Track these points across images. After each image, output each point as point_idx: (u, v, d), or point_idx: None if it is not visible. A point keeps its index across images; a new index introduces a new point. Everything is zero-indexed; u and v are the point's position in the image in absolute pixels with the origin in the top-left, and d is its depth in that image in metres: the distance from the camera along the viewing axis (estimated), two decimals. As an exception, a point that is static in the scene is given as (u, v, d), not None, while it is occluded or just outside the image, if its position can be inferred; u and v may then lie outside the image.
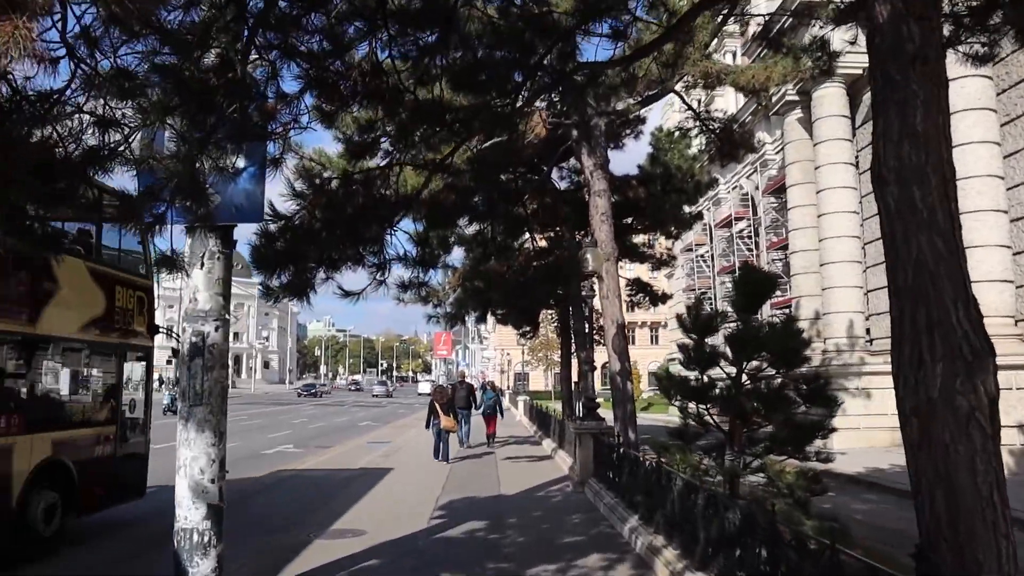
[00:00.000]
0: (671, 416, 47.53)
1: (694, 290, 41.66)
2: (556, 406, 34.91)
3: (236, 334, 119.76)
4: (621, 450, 10.64)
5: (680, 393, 9.69)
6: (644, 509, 8.77)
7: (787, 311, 32.18)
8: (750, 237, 36.49)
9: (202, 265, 6.43)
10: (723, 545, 6.05)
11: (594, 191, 15.76)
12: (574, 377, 25.04)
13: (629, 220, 22.44)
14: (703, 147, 20.61)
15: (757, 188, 34.86)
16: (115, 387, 10.75)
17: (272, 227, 6.43)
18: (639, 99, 16.03)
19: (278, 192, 6.48)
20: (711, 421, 9.82)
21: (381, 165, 7.31)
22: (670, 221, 21.16)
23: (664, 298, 29.04)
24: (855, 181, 24.47)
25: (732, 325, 10.54)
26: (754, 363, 9.60)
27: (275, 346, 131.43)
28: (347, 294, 7.52)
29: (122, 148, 4.60)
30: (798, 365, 9.63)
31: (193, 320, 6.47)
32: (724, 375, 9.55)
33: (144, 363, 11.60)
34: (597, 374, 23.53)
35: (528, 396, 45.77)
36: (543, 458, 19.14)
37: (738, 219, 36.59)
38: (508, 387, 74.38)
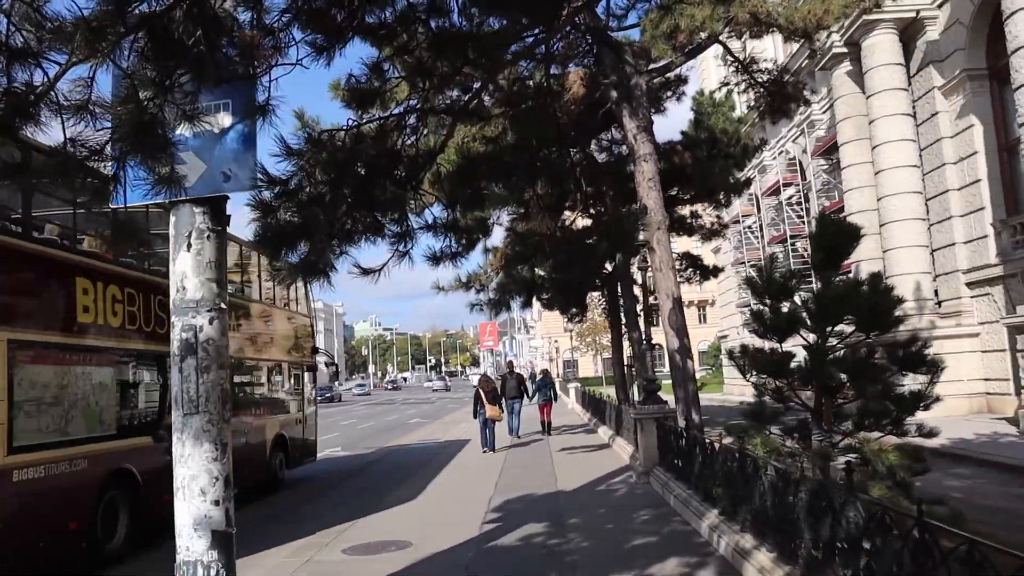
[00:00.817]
0: (726, 395, 46.10)
1: (744, 263, 40.07)
2: (609, 391, 33.75)
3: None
4: (689, 435, 9.48)
5: (756, 367, 8.51)
6: (726, 503, 7.62)
7: (844, 278, 30.60)
8: (799, 204, 34.85)
9: (189, 246, 5.40)
10: (840, 548, 4.89)
11: (639, 156, 14.55)
12: (626, 360, 23.89)
13: (674, 191, 21.15)
14: (750, 105, 19.28)
15: (805, 151, 33.19)
16: (301, 389, 17.09)
17: (267, 194, 5.36)
18: (681, 53, 14.74)
19: (268, 153, 5.41)
20: (792, 397, 8.65)
21: (395, 113, 6.24)
22: (720, 188, 19.86)
23: (715, 271, 27.69)
24: (913, 133, 22.89)
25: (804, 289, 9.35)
26: (837, 328, 8.42)
27: (322, 347, 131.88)
28: (365, 272, 6.48)
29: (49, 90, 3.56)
30: (890, 328, 8.40)
31: (182, 312, 5.41)
32: (803, 344, 8.37)
33: (311, 373, 17.76)
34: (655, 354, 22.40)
35: (579, 383, 44.61)
36: (600, 447, 18.01)
37: (786, 185, 34.93)
38: (558, 375, 73.25)
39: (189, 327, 5.37)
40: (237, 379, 12.91)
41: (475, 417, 19.68)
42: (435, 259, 8.13)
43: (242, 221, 6.80)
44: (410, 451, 21.69)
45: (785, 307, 8.51)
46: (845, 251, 8.45)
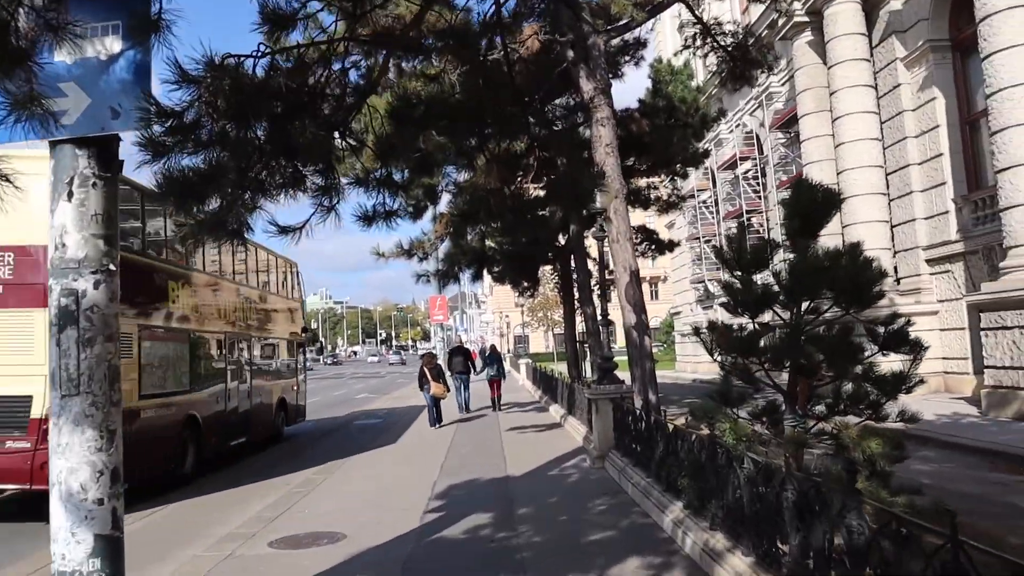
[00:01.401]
0: (679, 372, 45.84)
1: (698, 238, 39.69)
2: (560, 368, 33.13)
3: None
4: (649, 418, 8.73)
5: (725, 345, 7.77)
6: (692, 496, 6.88)
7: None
8: (756, 178, 34.45)
9: (70, 195, 4.39)
10: (836, 559, 4.16)
11: (596, 119, 13.73)
12: (579, 336, 23.23)
13: (631, 161, 20.41)
14: (711, 71, 18.54)
15: (763, 125, 32.72)
16: (296, 362, 20.35)
17: (157, 129, 4.35)
18: (643, 11, 13.89)
19: (162, 80, 4.41)
20: (762, 378, 7.95)
21: (318, 40, 5.27)
22: (678, 157, 19.11)
23: (672, 246, 27.19)
24: (875, 105, 22.41)
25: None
26: (813, 304, 7.72)
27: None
28: (283, 230, 5.53)
29: None
30: (871, 303, 7.70)
31: (60, 274, 4.40)
32: (771, 321, 7.65)
33: (302, 348, 21.25)
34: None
35: (530, 359, 43.94)
36: (551, 427, 17.30)
37: (743, 159, 34.45)
38: (508, 351, 72.65)
39: (68, 291, 4.37)
40: (254, 353, 17.00)
41: (421, 390, 19.85)
42: (367, 219, 7.22)
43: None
44: (359, 426, 20.90)
45: (758, 280, 7.78)
46: (823, 218, 7.68)
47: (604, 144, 13.49)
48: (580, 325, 21.88)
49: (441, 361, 26.00)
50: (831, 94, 23.04)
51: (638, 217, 33.86)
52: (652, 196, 22.46)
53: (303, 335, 21.31)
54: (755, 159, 34.12)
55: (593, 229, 11.85)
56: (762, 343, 7.50)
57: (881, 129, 22.34)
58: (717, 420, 7.26)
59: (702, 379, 36.70)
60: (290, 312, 20.18)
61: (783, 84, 30.74)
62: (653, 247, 24.95)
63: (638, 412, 9.44)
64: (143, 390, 11.35)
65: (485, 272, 22.69)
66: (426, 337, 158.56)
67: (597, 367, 11.21)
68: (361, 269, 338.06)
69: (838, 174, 22.86)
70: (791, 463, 7.19)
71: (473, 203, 18.09)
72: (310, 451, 15.98)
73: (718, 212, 39.25)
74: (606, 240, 13.11)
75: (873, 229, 21.84)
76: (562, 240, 23.82)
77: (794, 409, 7.54)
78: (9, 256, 9.79)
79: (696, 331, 7.96)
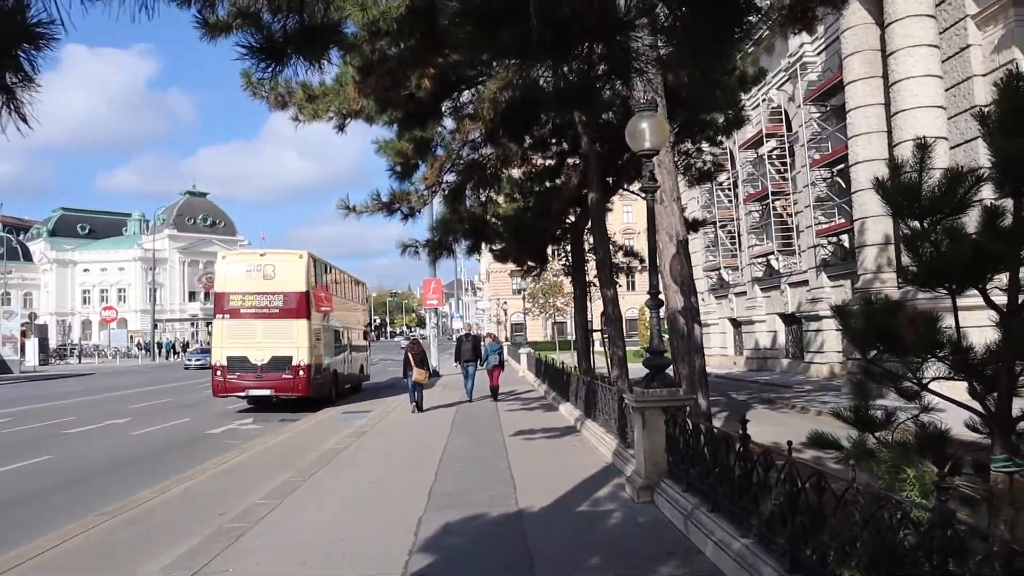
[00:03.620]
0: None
1: (714, 223, 36.70)
2: (563, 358, 30.21)
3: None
4: (740, 448, 5.80)
5: (884, 340, 4.84)
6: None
7: (836, 240, 27.39)
8: (781, 158, 31.46)
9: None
10: None
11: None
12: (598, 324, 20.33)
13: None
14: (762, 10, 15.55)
15: (791, 99, 29.76)
16: (366, 343, 32.56)
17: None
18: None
19: None
20: (931, 389, 5.04)
21: None
22: (718, 119, 16.15)
23: (697, 225, 24.23)
24: (939, 69, 19.44)
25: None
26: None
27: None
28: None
29: None
30: None
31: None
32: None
33: (367, 335, 33.37)
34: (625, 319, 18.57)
35: (531, 348, 40.99)
36: (565, 431, 14.34)
37: (768, 136, 31.42)
38: (506, 338, 69.66)
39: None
40: (352, 337, 28.49)
41: (404, 377, 20.69)
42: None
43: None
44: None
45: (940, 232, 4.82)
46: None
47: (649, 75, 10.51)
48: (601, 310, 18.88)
49: (434, 349, 32.60)
50: (887, 56, 20.08)
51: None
52: (692, 161, 19.46)
53: (368, 327, 35.87)
54: (782, 137, 31.15)
55: (642, 179, 8.85)
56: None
57: (946, 95, 19.38)
58: (894, 468, 4.38)
59: (717, 374, 33.94)
60: (363, 312, 33.75)
61: (819, 53, 27.80)
62: (676, 226, 21.90)
63: (713, 433, 6.49)
64: (323, 359, 23.24)
65: (484, 247, 19.73)
66: (421, 324, 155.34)
67: (646, 363, 8.25)
68: (358, 256, 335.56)
69: (893, 147, 19.94)
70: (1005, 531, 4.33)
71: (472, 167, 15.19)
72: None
73: (737, 196, 36.32)
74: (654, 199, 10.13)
75: (936, 209, 18.90)
76: (571, 218, 20.98)
77: (1010, 444, 4.64)
78: (283, 296, 21.57)
79: (839, 311, 5.01)
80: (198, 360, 50.79)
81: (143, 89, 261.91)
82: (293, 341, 21.22)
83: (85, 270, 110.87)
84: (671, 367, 9.19)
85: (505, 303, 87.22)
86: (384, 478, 10.45)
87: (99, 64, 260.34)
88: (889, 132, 21.03)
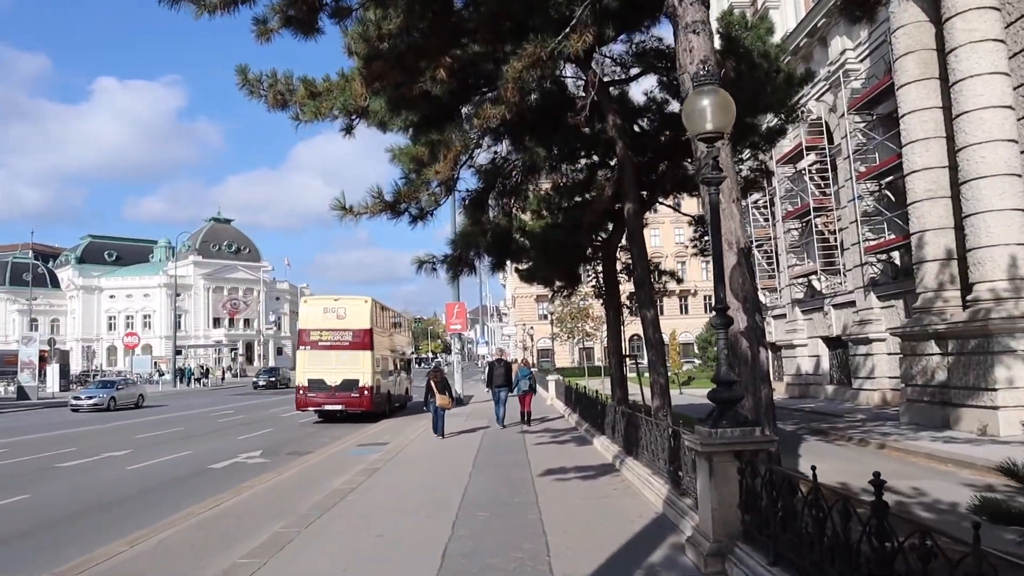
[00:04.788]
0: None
1: (750, 242, 34.88)
2: (593, 385, 28.49)
3: (246, 321, 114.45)
4: (873, 522, 4.13)
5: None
6: None
7: (886, 257, 25.54)
8: (822, 172, 29.74)
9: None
10: None
11: (685, 25, 9.26)
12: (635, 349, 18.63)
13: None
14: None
15: (832, 110, 28.09)
16: (407, 368, 37.47)
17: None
18: None
19: None
20: None
21: None
22: (774, 111, 14.60)
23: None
24: (1005, 65, 17.74)
25: None
26: None
27: (288, 331, 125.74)
28: None
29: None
30: None
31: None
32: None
33: (410, 362, 39.77)
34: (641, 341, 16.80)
35: (559, 375, 39.32)
36: (602, 471, 12.57)
37: (808, 150, 29.72)
38: (533, 364, 68.08)
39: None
40: (399, 364, 34.21)
41: (425, 406, 20.77)
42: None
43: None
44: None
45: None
46: None
47: (698, 60, 8.98)
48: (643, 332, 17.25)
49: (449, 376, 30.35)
50: (947, 53, 18.37)
51: (687, 206, 29.41)
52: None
53: (412, 355, 42.96)
54: (823, 150, 29.44)
55: (703, 170, 7.27)
56: None
57: (1015, 95, 17.68)
58: None
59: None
60: (409, 343, 40.70)
61: (861, 59, 26.16)
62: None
63: (820, 493, 4.84)
64: (381, 381, 29.17)
65: (509, 266, 18.18)
66: (447, 350, 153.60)
67: (712, 396, 6.61)
68: (383, 282, 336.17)
69: (957, 152, 18.18)
70: None
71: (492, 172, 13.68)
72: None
73: (774, 214, 34.56)
74: (705, 199, 8.59)
75: (1007, 219, 17.13)
76: (603, 235, 19.45)
77: None
78: (352, 333, 27.66)
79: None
80: (266, 379, 60.11)
81: (173, 119, 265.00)
82: (359, 367, 27.31)
83: (111, 296, 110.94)
84: (742, 401, 7.53)
85: (531, 328, 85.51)
86: (391, 530, 8.83)
87: (129, 95, 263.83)
88: (949, 138, 19.31)
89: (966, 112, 17.70)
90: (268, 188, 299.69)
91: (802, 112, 22.09)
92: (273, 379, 60.81)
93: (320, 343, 27.67)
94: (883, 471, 4.34)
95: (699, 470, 6.74)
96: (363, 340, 27.62)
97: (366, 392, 27.14)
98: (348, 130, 11.86)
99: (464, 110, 13.30)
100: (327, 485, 12.52)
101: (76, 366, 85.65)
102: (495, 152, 13.98)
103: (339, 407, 27.08)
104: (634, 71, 16.43)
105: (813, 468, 4.87)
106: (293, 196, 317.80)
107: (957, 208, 18.96)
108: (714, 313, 6.61)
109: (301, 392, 27.48)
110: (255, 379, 64.29)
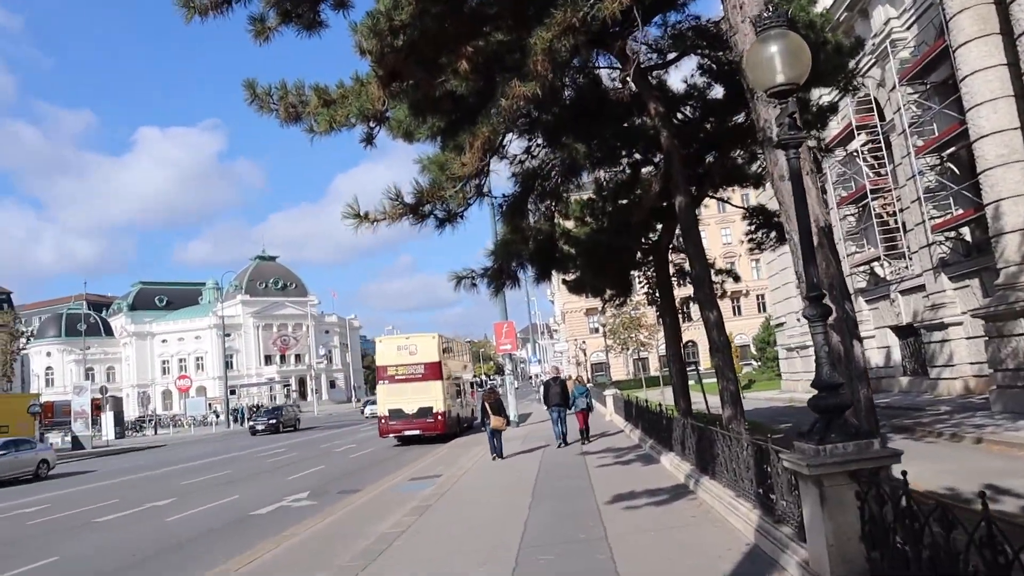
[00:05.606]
0: (789, 393, 39.07)
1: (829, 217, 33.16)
2: (651, 396, 27.16)
3: (297, 356, 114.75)
4: None
5: None
6: None
7: (955, 234, 23.83)
8: (875, 152, 28.10)
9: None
10: None
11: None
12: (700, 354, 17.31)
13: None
14: None
15: (881, 85, 26.49)
16: (470, 390, 41.15)
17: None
18: None
19: None
20: None
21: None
22: (829, 79, 13.35)
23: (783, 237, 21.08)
24: (1078, 12, 16.20)
25: None
26: None
27: (339, 363, 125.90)
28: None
29: None
30: None
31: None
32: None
33: (474, 385, 45.39)
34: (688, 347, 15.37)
35: (615, 388, 37.97)
36: (676, 494, 11.21)
37: (859, 129, 28.13)
38: (588, 379, 66.73)
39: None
40: (465, 387, 38.22)
41: (482, 426, 21.78)
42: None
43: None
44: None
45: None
46: None
47: (751, 15, 7.82)
48: (707, 336, 16.00)
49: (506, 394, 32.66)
50: (1010, 3, 16.89)
51: (734, 203, 27.91)
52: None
53: (474, 378, 46.46)
54: (874, 128, 27.83)
55: (778, 129, 6.07)
56: None
57: (1091, 43, 16.12)
58: None
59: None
60: (471, 370, 44.83)
61: (908, 28, 24.62)
62: (772, 232, 18.91)
63: (993, 526, 3.60)
64: (451, 406, 32.20)
65: (556, 276, 17.02)
66: (499, 371, 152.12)
67: (815, 405, 5.38)
68: (431, 308, 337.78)
69: (1031, 111, 16.66)
70: None
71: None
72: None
73: (825, 202, 32.85)
74: (775, 174, 7.40)
75: (1097, 180, 15.54)
76: (653, 236, 18.22)
77: None
78: (424, 366, 30.89)
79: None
80: (265, 421, 50.62)
81: (214, 162, 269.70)
82: (432, 396, 30.49)
83: (163, 341, 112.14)
84: (851, 409, 6.25)
85: (583, 343, 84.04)
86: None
87: (170, 143, 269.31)
88: (1018, 96, 17.79)
89: (1040, 66, 16.19)
90: (310, 222, 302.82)
91: (859, 82, 20.61)
92: (274, 421, 50.94)
93: (397, 377, 31.10)
94: (989, 470, 3.13)
95: (805, 496, 5.49)
96: (434, 372, 30.97)
97: (440, 417, 30.37)
98: (368, 140, 10.84)
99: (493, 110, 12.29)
100: (374, 530, 11.43)
101: (133, 412, 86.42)
102: (529, 142, 12.81)
103: (417, 431, 30.24)
104: (671, 56, 15.24)
105: (983, 495, 3.62)
106: (335, 228, 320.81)
107: (1035, 172, 17.44)
108: (807, 303, 5.40)
109: (383, 421, 30.98)
110: (252, 423, 52.86)
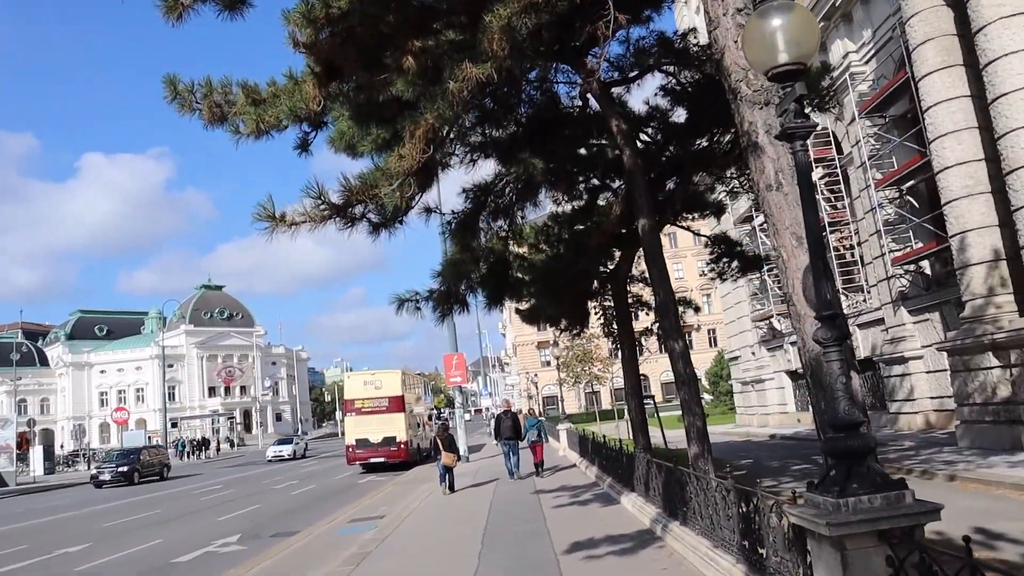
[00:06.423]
0: (744, 428, 38.48)
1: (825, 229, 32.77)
2: (604, 430, 26.22)
3: (242, 388, 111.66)
4: None
5: None
6: None
7: (914, 268, 23.47)
8: (832, 186, 27.87)
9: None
10: None
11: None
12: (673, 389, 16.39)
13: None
14: None
15: (839, 119, 26.24)
16: (426, 422, 42.55)
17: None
18: None
19: None
20: None
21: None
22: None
23: (759, 262, 20.55)
24: (1042, 43, 15.90)
25: None
26: None
27: (286, 396, 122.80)
28: None
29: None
30: None
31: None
32: None
33: (426, 414, 45.69)
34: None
35: (569, 422, 37.06)
36: (642, 540, 10.13)
37: (816, 163, 27.86)
38: (540, 413, 65.57)
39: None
40: (421, 420, 40.01)
41: (436, 462, 21.01)
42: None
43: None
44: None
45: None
46: None
47: (733, 8, 7.02)
48: (672, 368, 15.12)
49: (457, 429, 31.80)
50: (975, 34, 16.58)
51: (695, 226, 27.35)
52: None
53: (432, 410, 51.81)
54: (832, 161, 27.60)
55: (783, 118, 5.21)
56: None
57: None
58: None
59: (784, 434, 29.64)
60: (425, 401, 48.30)
61: (866, 61, 24.46)
62: (734, 262, 18.24)
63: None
64: (412, 437, 35.17)
65: (508, 304, 16.05)
66: (450, 404, 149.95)
67: (829, 449, 4.47)
68: (382, 340, 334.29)
69: (997, 139, 16.28)
70: None
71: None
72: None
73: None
74: (762, 184, 6.55)
75: (1065, 211, 15.13)
76: (609, 265, 17.41)
77: None
78: (388, 400, 33.82)
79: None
80: (112, 469, 38.71)
81: (161, 190, 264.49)
82: (396, 426, 33.11)
83: (102, 371, 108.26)
84: (873, 453, 5.30)
85: (535, 376, 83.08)
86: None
87: (116, 169, 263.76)
88: (982, 128, 17.45)
89: (1004, 95, 15.88)
90: (260, 252, 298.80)
91: (832, 104, 20.10)
92: (125, 469, 38.77)
93: (363, 409, 33.62)
94: (972, 509, 2.29)
95: (819, 559, 4.52)
96: (397, 404, 33.77)
97: (403, 446, 33.07)
98: (303, 146, 9.81)
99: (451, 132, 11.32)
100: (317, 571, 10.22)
101: (67, 446, 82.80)
102: (477, 126, 11.78)
103: (382, 459, 32.78)
104: (634, 74, 14.49)
105: None
106: (284, 259, 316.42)
107: (1000, 203, 17.05)
108: (819, 323, 4.50)
109: (350, 449, 33.48)
110: (97, 469, 40.90)
